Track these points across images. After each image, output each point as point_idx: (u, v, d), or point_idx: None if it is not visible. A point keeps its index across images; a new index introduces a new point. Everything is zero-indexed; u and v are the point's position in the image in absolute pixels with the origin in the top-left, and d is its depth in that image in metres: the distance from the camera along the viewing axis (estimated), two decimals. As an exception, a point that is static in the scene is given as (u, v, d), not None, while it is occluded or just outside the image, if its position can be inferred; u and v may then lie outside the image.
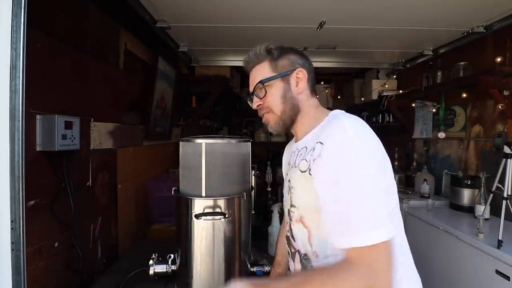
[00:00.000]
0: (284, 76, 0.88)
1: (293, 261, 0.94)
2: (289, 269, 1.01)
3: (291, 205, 0.89)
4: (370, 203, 0.69)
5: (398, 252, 0.77)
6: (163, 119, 2.67)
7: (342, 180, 0.70)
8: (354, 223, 0.68)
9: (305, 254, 0.86)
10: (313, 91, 0.93)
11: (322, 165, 0.73)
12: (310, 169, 0.78)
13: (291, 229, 0.92)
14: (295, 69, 0.89)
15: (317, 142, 0.77)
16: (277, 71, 0.89)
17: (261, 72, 0.91)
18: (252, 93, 0.93)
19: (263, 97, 0.90)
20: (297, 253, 0.90)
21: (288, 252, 0.98)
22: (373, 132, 0.77)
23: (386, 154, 0.78)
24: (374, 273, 0.67)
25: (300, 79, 0.89)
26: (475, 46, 2.28)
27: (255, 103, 0.93)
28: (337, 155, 0.71)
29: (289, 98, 0.88)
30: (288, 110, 0.89)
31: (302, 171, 0.82)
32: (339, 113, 0.85)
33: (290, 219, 0.91)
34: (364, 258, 0.68)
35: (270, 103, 0.90)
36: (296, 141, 0.96)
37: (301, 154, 0.86)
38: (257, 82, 0.90)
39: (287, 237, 0.97)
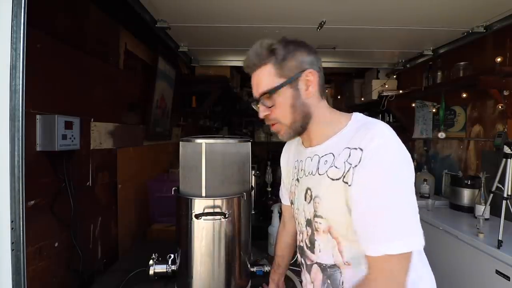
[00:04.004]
0: (293, 81, 0.79)
1: (309, 273, 0.89)
2: (300, 279, 0.99)
3: (316, 216, 0.82)
4: (410, 208, 0.69)
5: (418, 254, 0.81)
6: (163, 119, 2.67)
7: (383, 185, 0.69)
8: (391, 229, 0.68)
9: (333, 264, 0.82)
10: (323, 92, 0.84)
11: (365, 172, 0.69)
12: (344, 177, 0.73)
13: (311, 241, 0.86)
14: (304, 71, 0.79)
15: (354, 148, 0.73)
16: (284, 76, 0.79)
17: (265, 77, 0.80)
18: (258, 101, 0.83)
19: (271, 106, 0.81)
20: (315, 264, 0.87)
21: (302, 264, 0.94)
22: None
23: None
24: (401, 280, 0.68)
25: (310, 82, 0.79)
26: (475, 46, 2.28)
27: (262, 112, 0.84)
28: (381, 161, 0.69)
29: (299, 106, 0.80)
30: (299, 119, 0.81)
31: (333, 179, 0.76)
32: (364, 117, 0.82)
33: (314, 230, 0.84)
34: (395, 266, 0.68)
35: (278, 114, 0.81)
36: (308, 146, 0.89)
37: (326, 161, 0.80)
38: (263, 90, 0.80)
39: (301, 248, 0.92)
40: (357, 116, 0.83)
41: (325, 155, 0.82)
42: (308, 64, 0.80)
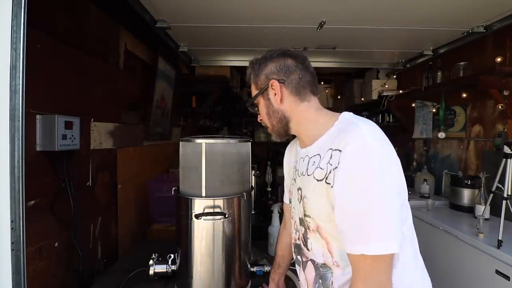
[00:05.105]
0: (264, 92, 0.89)
1: (304, 270, 0.91)
2: (298, 278, 0.99)
3: (306, 215, 0.85)
4: (388, 213, 0.68)
5: (412, 257, 0.81)
6: (163, 119, 2.67)
7: (362, 188, 0.68)
8: (370, 231, 0.68)
9: (324, 263, 0.83)
10: (306, 94, 0.87)
11: (342, 173, 0.70)
12: (327, 178, 0.75)
13: (304, 238, 0.89)
14: (269, 82, 0.87)
15: (335, 150, 0.74)
16: (258, 88, 0.91)
17: (252, 89, 0.94)
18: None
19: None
20: (309, 262, 0.88)
21: (298, 262, 0.96)
22: (387, 138, 0.75)
23: (400, 163, 0.75)
24: (382, 283, 0.68)
25: (274, 91, 0.86)
26: (475, 46, 2.28)
27: (258, 118, 0.98)
28: (358, 163, 0.69)
29: (272, 112, 0.89)
30: (276, 123, 0.90)
31: (318, 180, 0.78)
32: (351, 117, 0.82)
33: (306, 229, 0.87)
34: (373, 267, 0.68)
35: (262, 119, 0.95)
36: (303, 147, 0.92)
37: (314, 162, 0.82)
38: (249, 103, 0.95)
39: (297, 246, 0.94)
40: (344, 116, 0.83)
41: (314, 156, 0.84)
42: (275, 74, 0.87)
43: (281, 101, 0.87)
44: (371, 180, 0.68)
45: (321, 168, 0.78)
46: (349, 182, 0.69)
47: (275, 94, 0.87)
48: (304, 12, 1.80)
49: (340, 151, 0.72)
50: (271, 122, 0.91)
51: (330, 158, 0.75)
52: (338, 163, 0.71)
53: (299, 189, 0.88)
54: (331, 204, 0.74)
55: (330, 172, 0.74)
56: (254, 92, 0.93)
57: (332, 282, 0.82)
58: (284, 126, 0.90)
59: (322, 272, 0.84)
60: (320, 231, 0.81)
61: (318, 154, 0.82)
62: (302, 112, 0.87)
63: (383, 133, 0.75)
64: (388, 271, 0.69)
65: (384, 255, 0.67)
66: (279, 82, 0.86)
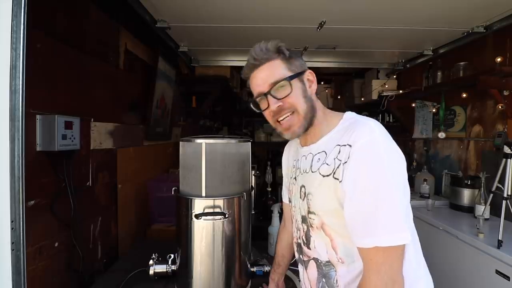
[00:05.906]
0: (301, 75, 0.84)
1: (306, 269, 0.92)
2: (299, 279, 1.00)
3: (310, 212, 0.85)
4: (397, 205, 0.70)
5: (415, 254, 0.81)
6: (163, 119, 2.66)
7: (373, 181, 0.70)
8: (381, 223, 0.69)
9: (328, 261, 0.83)
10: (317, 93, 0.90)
11: (352, 167, 0.72)
12: (334, 173, 0.76)
13: (307, 237, 0.89)
14: (306, 70, 0.86)
15: (343, 145, 0.76)
16: (292, 70, 0.83)
17: (277, 69, 0.82)
18: (268, 93, 0.82)
19: (284, 97, 0.82)
20: (312, 260, 0.88)
21: (300, 261, 0.96)
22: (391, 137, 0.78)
23: (405, 161, 0.77)
24: (394, 274, 0.69)
25: (311, 81, 0.87)
26: (475, 46, 2.28)
27: (274, 104, 0.83)
28: (368, 157, 0.71)
29: (308, 98, 0.84)
30: (309, 110, 0.84)
31: (324, 176, 0.79)
32: (356, 115, 0.85)
33: (309, 226, 0.87)
34: (386, 259, 0.68)
35: (295, 101, 0.82)
36: (304, 145, 0.93)
37: (319, 159, 0.83)
38: (277, 79, 0.81)
39: (298, 245, 0.94)
40: (349, 115, 0.86)
41: (318, 153, 0.85)
42: (307, 66, 0.88)
43: (313, 93, 0.87)
44: (381, 173, 0.70)
45: (327, 164, 0.79)
46: (359, 175, 0.71)
47: (311, 84, 0.87)
48: (304, 12, 1.80)
49: (350, 146, 0.74)
50: (306, 107, 0.83)
51: (338, 154, 0.76)
52: (348, 157, 0.73)
53: (302, 186, 0.89)
54: (338, 200, 0.75)
55: (338, 167, 0.75)
56: (281, 71, 0.82)
57: (336, 281, 0.82)
58: (313, 117, 0.85)
59: (325, 271, 0.84)
60: (324, 227, 0.82)
61: (324, 151, 0.83)
62: (319, 109, 0.89)
63: (387, 132, 0.77)
64: (399, 263, 0.70)
65: (397, 246, 0.68)
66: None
